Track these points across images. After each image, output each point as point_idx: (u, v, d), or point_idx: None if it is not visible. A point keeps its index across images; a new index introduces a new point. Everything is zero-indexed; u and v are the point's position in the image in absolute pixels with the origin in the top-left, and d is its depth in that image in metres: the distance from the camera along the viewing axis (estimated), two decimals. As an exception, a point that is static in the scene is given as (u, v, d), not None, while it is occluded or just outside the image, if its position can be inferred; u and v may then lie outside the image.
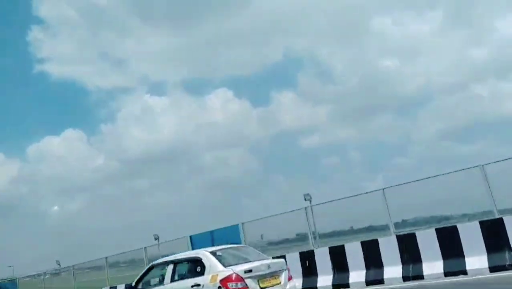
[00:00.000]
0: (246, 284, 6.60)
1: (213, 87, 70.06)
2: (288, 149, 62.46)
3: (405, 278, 9.52)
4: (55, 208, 62.99)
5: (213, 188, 60.04)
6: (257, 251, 7.92)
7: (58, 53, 63.15)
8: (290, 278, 7.33)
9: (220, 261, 6.98)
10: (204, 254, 7.18)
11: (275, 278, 7.02)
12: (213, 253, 7.16)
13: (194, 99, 66.17)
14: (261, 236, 14.07)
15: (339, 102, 59.57)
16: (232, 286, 6.55)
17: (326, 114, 60.65)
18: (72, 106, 70.11)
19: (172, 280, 7.31)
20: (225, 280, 6.60)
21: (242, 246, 7.99)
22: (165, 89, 71.36)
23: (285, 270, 7.28)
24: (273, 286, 6.91)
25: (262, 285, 6.77)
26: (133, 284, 7.85)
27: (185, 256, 7.68)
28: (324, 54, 59.49)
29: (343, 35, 57.50)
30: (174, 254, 8.37)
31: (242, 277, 6.61)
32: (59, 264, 25.75)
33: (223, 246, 7.74)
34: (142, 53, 60.82)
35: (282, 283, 7.07)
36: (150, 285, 7.70)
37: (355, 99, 57.40)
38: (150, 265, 7.93)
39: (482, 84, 55.40)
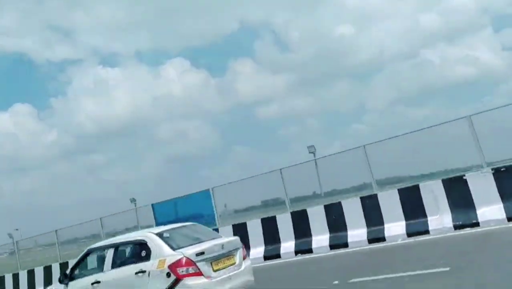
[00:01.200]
0: (199, 268, 5.94)
1: (168, 57, 67.16)
2: (247, 119, 62.18)
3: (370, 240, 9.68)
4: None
5: (172, 161, 58.65)
6: (209, 229, 7.24)
7: (2, 25, 56.99)
8: (245, 257, 6.76)
9: (167, 243, 6.23)
10: (149, 236, 6.40)
11: (230, 259, 6.42)
12: (160, 235, 6.39)
13: (150, 69, 63.28)
14: (225, 204, 13.29)
15: (296, 71, 59.43)
16: (182, 271, 5.86)
17: (283, 84, 60.54)
18: (19, 80, 64.39)
19: (114, 266, 6.49)
20: (174, 265, 5.89)
21: (192, 224, 7.23)
22: (119, 60, 67.69)
23: (240, 248, 6.68)
24: (227, 267, 6.31)
25: (215, 268, 6.14)
26: (67, 271, 6.93)
27: (127, 239, 6.83)
28: (280, 23, 58.34)
29: (299, 3, 56.74)
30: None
31: (193, 261, 5.92)
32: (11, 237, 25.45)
33: (170, 226, 6.97)
34: (92, 23, 57.08)
35: (237, 263, 6.49)
36: (87, 273, 6.84)
37: (311, 68, 57.53)
38: (86, 250, 7.02)
39: (432, 50, 57.02)
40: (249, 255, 8.88)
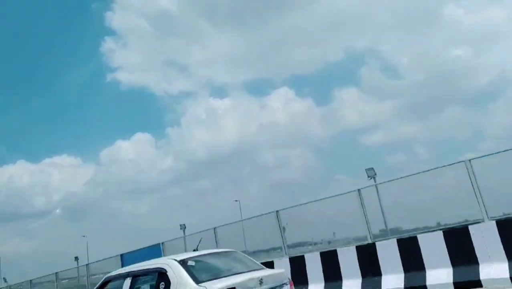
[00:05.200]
0: None
1: (274, 87, 70.25)
2: (350, 147, 61.19)
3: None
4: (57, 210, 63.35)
5: (275, 188, 59.40)
6: (249, 258, 5.76)
7: (128, 62, 66.19)
8: None
9: (191, 274, 4.87)
10: (170, 264, 5.09)
11: None
12: (183, 263, 5.05)
13: (256, 99, 66.66)
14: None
15: (404, 96, 57.06)
16: None
17: (390, 110, 58.46)
18: (141, 111, 72.26)
19: None
20: None
21: (229, 251, 5.82)
22: (228, 91, 72.71)
23: (286, 284, 5.12)
24: None
25: None
26: None
27: (146, 267, 5.58)
28: (388, 48, 56.80)
29: (409, 27, 55.04)
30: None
31: None
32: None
33: (201, 252, 5.63)
34: (206, 57, 61.77)
35: None
36: None
37: (421, 93, 54.79)
38: (104, 278, 5.90)
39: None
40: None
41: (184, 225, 38.85)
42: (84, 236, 50.29)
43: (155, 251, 13.14)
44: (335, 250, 8.82)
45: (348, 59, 61.35)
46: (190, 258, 5.21)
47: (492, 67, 51.14)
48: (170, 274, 4.95)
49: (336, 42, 61.98)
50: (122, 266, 12.04)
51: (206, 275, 4.93)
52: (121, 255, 16.01)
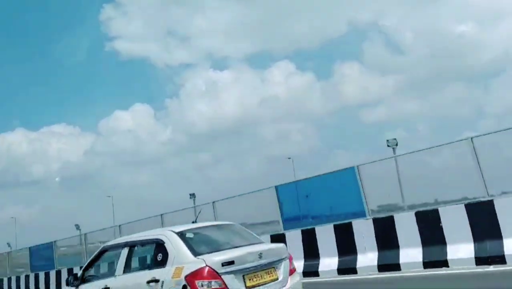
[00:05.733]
0: (225, 283, 4.39)
1: (275, 60, 69.38)
2: (351, 123, 60.99)
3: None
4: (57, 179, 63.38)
5: (273, 162, 59.53)
6: (249, 232, 5.64)
7: (128, 31, 65.80)
8: (292, 271, 5.08)
9: (189, 246, 4.76)
10: (168, 235, 4.96)
11: (270, 272, 4.78)
12: (181, 235, 4.93)
13: (257, 72, 66.16)
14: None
15: (406, 72, 56.47)
16: (202, 285, 4.36)
17: (392, 86, 57.93)
18: (141, 82, 71.80)
19: (126, 270, 5.18)
20: (192, 276, 4.41)
21: (228, 224, 5.69)
22: (228, 63, 72.04)
23: (285, 259, 5.01)
24: (266, 283, 4.70)
25: (249, 284, 4.55)
26: (80, 272, 5.76)
27: (144, 237, 5.46)
28: (392, 23, 55.82)
29: (414, 1, 53.87)
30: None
31: (218, 272, 4.40)
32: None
33: (199, 224, 5.51)
34: (208, 28, 61.43)
35: (280, 278, 4.83)
36: (99, 276, 5.63)
37: (424, 69, 54.15)
38: (101, 247, 5.81)
39: None
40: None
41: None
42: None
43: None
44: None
45: (351, 33, 60.77)
46: (188, 230, 5.09)
47: (496, 44, 50.47)
48: (167, 245, 4.84)
49: (339, 15, 61.17)
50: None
51: (205, 248, 4.82)
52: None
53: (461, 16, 53.81)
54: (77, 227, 38.99)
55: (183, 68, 74.91)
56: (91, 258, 5.76)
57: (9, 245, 42.93)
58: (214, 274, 4.39)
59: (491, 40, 50.35)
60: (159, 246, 4.93)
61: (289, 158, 44.25)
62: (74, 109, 71.54)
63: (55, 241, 17.58)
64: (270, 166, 57.25)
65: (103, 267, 5.90)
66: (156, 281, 4.65)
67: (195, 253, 4.64)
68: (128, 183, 64.90)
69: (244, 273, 4.53)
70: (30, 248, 18.98)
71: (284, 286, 4.82)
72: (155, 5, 63.44)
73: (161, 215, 14.07)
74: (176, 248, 4.76)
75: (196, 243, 4.85)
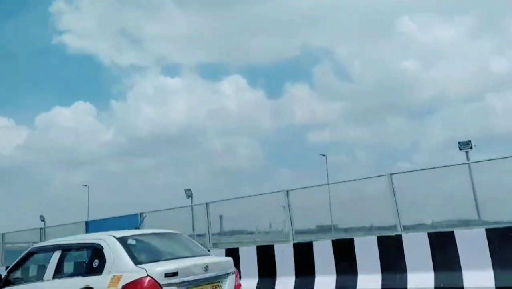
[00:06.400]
0: None
1: (227, 73, 70.02)
2: (296, 142, 61.89)
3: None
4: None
5: (218, 174, 58.59)
6: (195, 243, 5.39)
7: (79, 27, 63.03)
8: (238, 287, 4.90)
9: (130, 254, 4.44)
10: (107, 240, 4.61)
11: (215, 287, 4.58)
12: (122, 240, 4.59)
13: (208, 83, 65.28)
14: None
15: (353, 100, 58.52)
16: None
17: (339, 111, 59.71)
18: (85, 80, 69.85)
19: (56, 275, 4.73)
20: (131, 286, 4.10)
21: (174, 233, 5.42)
22: (180, 71, 70.58)
23: (231, 274, 4.83)
24: None
25: None
26: (5, 273, 5.20)
27: (80, 241, 5.06)
28: (343, 52, 57.81)
29: (365, 34, 56.39)
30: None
31: (159, 283, 4.12)
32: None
33: (143, 231, 5.20)
34: (163, 33, 60.45)
35: None
36: (25, 279, 5.13)
37: (369, 99, 56.48)
38: (30, 248, 5.30)
39: (498, 96, 54.39)
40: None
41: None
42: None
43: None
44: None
45: (303, 56, 62.39)
46: (130, 236, 4.76)
47: (435, 83, 54.16)
48: (106, 251, 4.48)
49: (294, 37, 62.83)
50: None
51: (147, 256, 4.53)
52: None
53: (406, 53, 57.25)
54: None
55: (133, 70, 72.87)
56: (18, 259, 5.24)
57: None
58: (156, 285, 4.11)
59: (431, 78, 53.97)
60: (97, 251, 4.56)
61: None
62: (10, 100, 66.85)
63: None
64: (213, 178, 56.74)
65: (32, 270, 5.35)
66: None
67: (136, 262, 4.33)
68: (60, 182, 61.35)
69: (188, 286, 4.29)
70: None
71: None
72: (110, 4, 61.77)
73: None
74: (116, 254, 4.42)
75: (138, 251, 4.54)
